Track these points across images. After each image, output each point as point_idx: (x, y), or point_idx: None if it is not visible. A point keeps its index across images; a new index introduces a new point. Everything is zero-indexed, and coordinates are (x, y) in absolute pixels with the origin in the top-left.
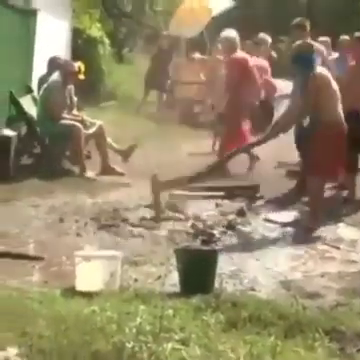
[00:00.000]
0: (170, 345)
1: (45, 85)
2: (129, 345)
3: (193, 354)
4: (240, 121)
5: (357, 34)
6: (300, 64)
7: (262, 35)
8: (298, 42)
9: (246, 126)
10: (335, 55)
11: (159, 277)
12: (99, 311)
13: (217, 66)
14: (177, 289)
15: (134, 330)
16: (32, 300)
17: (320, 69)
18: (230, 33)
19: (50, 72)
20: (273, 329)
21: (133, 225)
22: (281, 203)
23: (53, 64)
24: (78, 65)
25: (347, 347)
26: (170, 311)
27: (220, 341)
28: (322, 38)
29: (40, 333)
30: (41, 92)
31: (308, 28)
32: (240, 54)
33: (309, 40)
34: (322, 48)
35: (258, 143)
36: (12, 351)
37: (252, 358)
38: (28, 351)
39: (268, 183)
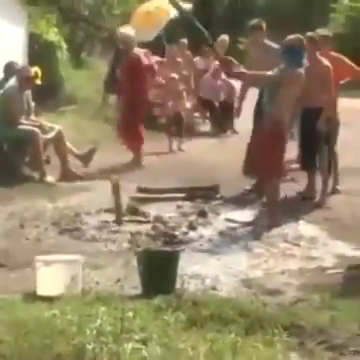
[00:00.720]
0: (130, 345)
1: (1, 91)
2: (90, 346)
3: (153, 353)
4: (136, 121)
5: (309, 34)
6: (291, 56)
7: (222, 37)
8: (291, 36)
9: (141, 125)
10: None
11: (120, 279)
12: (60, 314)
13: (173, 68)
14: (139, 291)
15: (94, 332)
16: None
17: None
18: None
19: (6, 78)
20: (233, 326)
21: (94, 229)
22: (241, 202)
23: (9, 70)
24: (34, 70)
25: (306, 341)
26: (130, 313)
27: (180, 340)
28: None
29: (0, 338)
30: None
31: (264, 28)
32: (135, 53)
33: (266, 40)
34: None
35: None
36: None
37: (212, 355)
38: None
39: (228, 183)
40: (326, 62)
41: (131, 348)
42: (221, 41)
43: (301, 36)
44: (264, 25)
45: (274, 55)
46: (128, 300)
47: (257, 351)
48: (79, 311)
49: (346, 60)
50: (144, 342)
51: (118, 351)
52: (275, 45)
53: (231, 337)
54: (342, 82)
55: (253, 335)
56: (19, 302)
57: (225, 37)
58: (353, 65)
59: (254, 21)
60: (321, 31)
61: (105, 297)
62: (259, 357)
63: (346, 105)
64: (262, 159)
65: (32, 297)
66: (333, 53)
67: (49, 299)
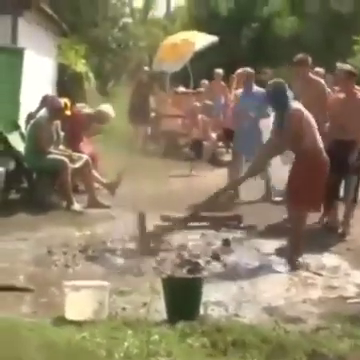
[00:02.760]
0: None
1: (32, 121)
2: None
3: None
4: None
5: (345, 67)
6: (274, 102)
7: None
8: (271, 81)
9: None
10: None
11: (145, 304)
12: (89, 337)
13: (199, 99)
14: (164, 316)
15: (122, 354)
16: (23, 328)
17: (295, 105)
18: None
19: (39, 109)
20: (256, 352)
21: (120, 256)
22: (264, 232)
23: (44, 101)
24: (64, 101)
25: None
26: (156, 336)
27: None
28: (317, 69)
29: (33, 359)
30: (29, 128)
31: (310, 63)
32: None
33: (310, 75)
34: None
35: (238, 182)
36: None
37: None
38: None
39: (254, 212)
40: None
41: None
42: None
43: (279, 80)
44: (310, 59)
45: (318, 89)
46: (153, 325)
47: None
48: (107, 334)
49: None
50: None
51: None
52: (319, 79)
53: None
54: None
55: None
56: (49, 325)
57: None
58: None
59: (300, 55)
60: (344, 66)
61: (131, 322)
62: None
63: None
64: (295, 188)
65: (61, 321)
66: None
67: (77, 323)
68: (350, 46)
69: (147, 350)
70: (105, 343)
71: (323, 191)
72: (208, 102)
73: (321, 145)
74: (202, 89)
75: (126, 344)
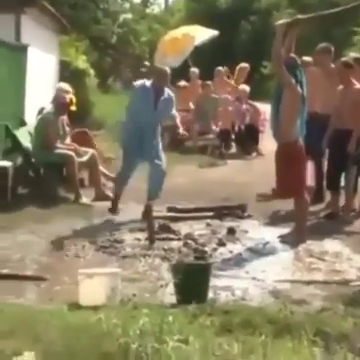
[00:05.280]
0: (172, 343)
1: (39, 116)
2: (134, 345)
3: (193, 349)
4: None
5: (344, 59)
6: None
7: (242, 64)
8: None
9: None
10: None
11: (156, 290)
12: (105, 319)
13: (205, 92)
14: (174, 301)
15: (138, 332)
16: (41, 312)
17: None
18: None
19: None
20: (263, 331)
21: (128, 246)
22: (268, 220)
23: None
24: (70, 97)
25: (331, 345)
26: (170, 317)
27: (216, 340)
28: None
29: (53, 339)
30: (36, 123)
31: (332, 52)
32: None
33: (332, 64)
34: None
35: None
36: (29, 355)
37: (245, 351)
38: (43, 355)
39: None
40: (359, 85)
41: (172, 346)
42: (241, 68)
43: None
44: (332, 49)
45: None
46: (165, 308)
47: (286, 347)
48: (122, 315)
49: None
50: (183, 342)
51: (160, 349)
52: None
53: (261, 339)
54: None
55: (281, 339)
56: (65, 311)
57: (245, 65)
58: None
59: (322, 45)
60: (353, 54)
61: (143, 305)
62: (287, 353)
63: None
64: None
65: (76, 307)
66: None
67: (92, 308)
68: (348, 37)
69: (160, 328)
70: (120, 323)
71: (305, 177)
72: (214, 96)
73: (297, 131)
74: (209, 82)
75: (141, 322)
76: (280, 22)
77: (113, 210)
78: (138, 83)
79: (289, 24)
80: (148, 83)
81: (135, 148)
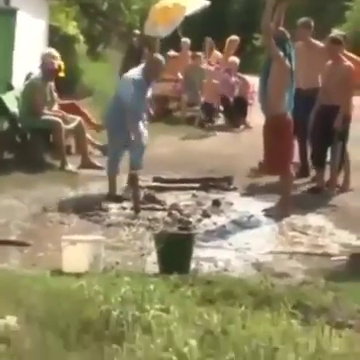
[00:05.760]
0: (152, 311)
1: (27, 82)
2: (115, 313)
3: (173, 318)
4: None
5: (332, 35)
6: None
7: (232, 37)
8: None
9: None
10: None
11: (139, 259)
12: (87, 286)
13: (195, 63)
14: (156, 270)
15: (119, 299)
16: (24, 278)
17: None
18: None
19: None
20: (244, 302)
21: (113, 214)
22: (252, 193)
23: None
24: (58, 63)
25: (311, 317)
26: (151, 286)
27: (196, 310)
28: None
29: (35, 304)
30: (23, 88)
31: (312, 27)
32: None
33: (312, 39)
34: None
35: None
36: (11, 319)
37: (224, 321)
38: (25, 319)
39: (243, 174)
40: (348, 62)
41: (153, 314)
42: (231, 41)
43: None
44: (312, 24)
45: (320, 53)
46: (147, 277)
47: (264, 319)
48: (104, 283)
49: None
50: (164, 310)
51: (141, 317)
52: (321, 43)
53: (241, 310)
54: None
55: (261, 311)
56: (48, 276)
57: (235, 37)
58: None
59: (303, 19)
60: (336, 31)
61: (125, 274)
62: (266, 325)
63: (358, 103)
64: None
65: (59, 273)
66: (348, 53)
67: (75, 275)
68: (341, 12)
69: (142, 297)
70: (102, 290)
71: (292, 151)
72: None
73: (285, 105)
74: (200, 53)
75: (123, 290)
76: None
77: (113, 196)
78: (136, 77)
79: None
80: (139, 74)
81: (123, 137)
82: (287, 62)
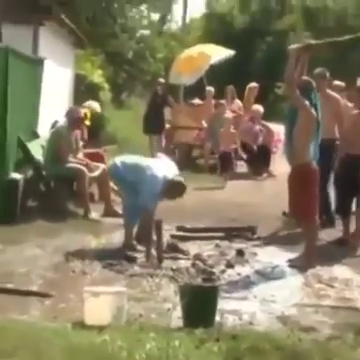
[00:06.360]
0: None
1: (53, 130)
2: None
3: None
4: None
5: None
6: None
7: (251, 84)
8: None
9: None
10: None
11: (163, 311)
12: (110, 340)
13: (218, 111)
14: (180, 323)
15: (144, 356)
16: (45, 330)
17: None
18: None
19: None
20: (271, 358)
21: (136, 264)
22: (277, 243)
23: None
24: (84, 112)
25: None
26: (176, 341)
27: None
28: (337, 82)
29: (56, 359)
30: (49, 136)
31: (328, 77)
32: None
33: (328, 90)
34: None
35: None
36: None
37: None
38: None
39: (267, 224)
40: None
41: None
42: (250, 88)
43: (307, 78)
44: (327, 74)
45: (337, 103)
46: (171, 331)
47: None
48: (128, 338)
49: None
50: None
51: None
52: (336, 95)
53: None
54: None
55: None
56: (70, 329)
57: (254, 84)
58: None
59: (318, 70)
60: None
61: (149, 328)
62: None
63: None
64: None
65: (81, 326)
66: None
67: (97, 328)
68: None
69: (167, 354)
70: (126, 346)
71: (317, 201)
72: (228, 116)
73: (311, 154)
74: (223, 101)
75: (148, 346)
76: (293, 46)
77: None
78: (161, 176)
79: (301, 49)
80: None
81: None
82: (313, 111)
